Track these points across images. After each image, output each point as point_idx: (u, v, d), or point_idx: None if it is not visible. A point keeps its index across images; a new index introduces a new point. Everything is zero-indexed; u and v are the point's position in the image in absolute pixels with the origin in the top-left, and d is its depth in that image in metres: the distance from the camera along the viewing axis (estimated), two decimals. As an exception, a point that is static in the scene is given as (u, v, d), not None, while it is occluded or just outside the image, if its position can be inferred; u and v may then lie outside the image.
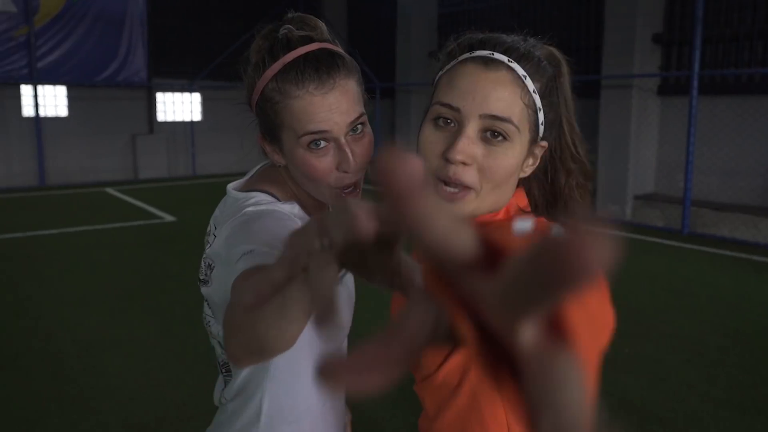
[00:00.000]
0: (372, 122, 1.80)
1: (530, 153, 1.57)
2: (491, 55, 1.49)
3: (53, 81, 18.97)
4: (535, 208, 1.67)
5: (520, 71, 1.48)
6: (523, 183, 1.66)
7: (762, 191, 12.33)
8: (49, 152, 19.05)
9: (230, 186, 1.85)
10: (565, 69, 1.63)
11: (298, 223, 1.67)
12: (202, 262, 1.83)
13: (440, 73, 1.59)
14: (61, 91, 19.45)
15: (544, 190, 1.71)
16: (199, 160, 21.50)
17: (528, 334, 0.40)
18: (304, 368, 1.81)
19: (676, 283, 8.71)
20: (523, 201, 1.65)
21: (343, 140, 1.70)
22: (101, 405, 5.30)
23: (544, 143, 1.59)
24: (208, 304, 1.84)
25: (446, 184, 1.50)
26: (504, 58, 1.48)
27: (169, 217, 13.72)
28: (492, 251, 0.45)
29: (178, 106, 21.67)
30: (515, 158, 1.51)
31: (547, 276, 0.35)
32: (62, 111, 19.54)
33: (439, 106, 1.52)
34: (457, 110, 1.48)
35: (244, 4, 22.12)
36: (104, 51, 19.61)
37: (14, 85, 18.54)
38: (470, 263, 0.43)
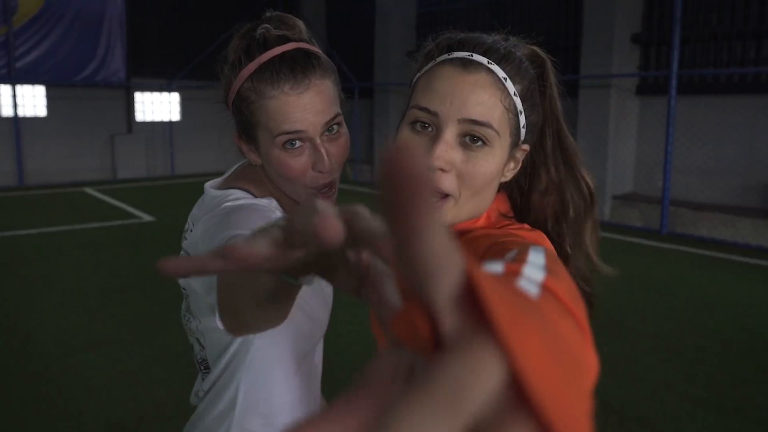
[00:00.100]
0: (350, 122, 1.79)
1: (511, 157, 1.52)
2: (470, 57, 1.44)
3: (32, 81, 18.89)
4: (518, 213, 1.63)
5: (501, 73, 1.43)
6: (505, 187, 1.62)
7: (741, 191, 12.39)
8: (28, 152, 18.99)
9: (208, 185, 1.85)
10: (549, 67, 1.58)
11: (277, 214, 1.70)
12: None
13: (418, 74, 1.55)
14: (39, 91, 19.36)
15: (521, 196, 1.66)
16: (178, 160, 21.47)
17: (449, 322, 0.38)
18: (280, 362, 1.82)
19: (654, 282, 8.73)
20: (504, 206, 1.61)
21: (318, 140, 1.70)
22: (81, 405, 5.27)
23: (526, 146, 1.54)
24: (186, 300, 1.84)
25: None
26: (483, 60, 1.43)
27: (147, 217, 13.67)
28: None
29: (156, 106, 21.62)
30: (495, 164, 1.46)
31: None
32: (41, 111, 19.46)
33: (416, 110, 1.47)
34: (434, 114, 1.43)
35: (223, 4, 22.13)
36: (83, 51, 19.56)
37: (-7, 85, 18.40)
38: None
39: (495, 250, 1.29)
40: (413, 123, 1.48)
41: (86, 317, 7.28)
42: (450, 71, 1.45)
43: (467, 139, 1.43)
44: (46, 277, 8.94)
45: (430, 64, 1.51)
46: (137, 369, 5.92)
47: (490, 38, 1.50)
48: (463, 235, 1.50)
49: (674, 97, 11.90)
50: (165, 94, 21.52)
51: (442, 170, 1.43)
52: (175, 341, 6.24)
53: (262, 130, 1.71)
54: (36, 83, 19.05)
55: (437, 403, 0.33)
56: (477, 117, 1.40)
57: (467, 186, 1.45)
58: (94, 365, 6.00)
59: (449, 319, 0.38)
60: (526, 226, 1.53)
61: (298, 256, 0.61)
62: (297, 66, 1.67)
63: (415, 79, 1.56)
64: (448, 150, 1.42)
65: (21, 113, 18.87)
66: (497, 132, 1.42)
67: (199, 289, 1.66)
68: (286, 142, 1.68)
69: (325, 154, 1.70)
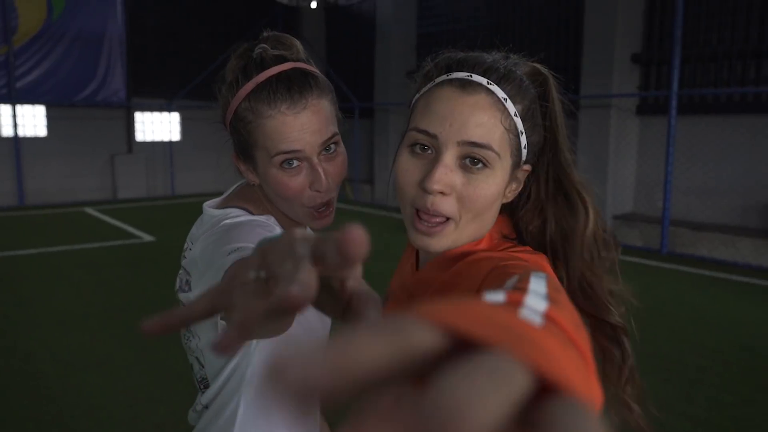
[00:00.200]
0: (350, 142, 1.79)
1: (513, 178, 1.49)
2: (469, 77, 1.42)
3: (32, 101, 18.88)
4: (520, 235, 1.59)
5: (500, 94, 1.40)
6: (507, 208, 1.60)
7: (741, 211, 12.39)
8: (28, 172, 18.98)
9: (206, 204, 1.85)
10: (552, 84, 1.54)
11: (277, 230, 1.70)
12: (178, 277, 1.82)
13: (417, 95, 1.53)
14: (40, 110, 19.36)
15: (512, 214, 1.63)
16: (178, 180, 21.45)
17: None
18: None
19: (654, 302, 8.70)
20: (507, 228, 1.58)
21: (315, 160, 1.70)
22: (80, 425, 5.26)
23: (528, 167, 1.52)
24: None
25: (424, 214, 1.45)
26: (483, 80, 1.41)
27: (147, 237, 13.66)
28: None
29: (157, 126, 21.61)
30: (496, 186, 1.44)
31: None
32: (41, 131, 19.45)
33: (415, 133, 1.45)
34: (434, 137, 1.41)
35: (223, 24, 22.13)
36: (83, 71, 19.55)
37: (-7, 105, 18.40)
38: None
39: (496, 274, 1.28)
40: (412, 145, 1.47)
41: (87, 337, 7.27)
42: (449, 92, 1.43)
43: (467, 161, 1.41)
44: (46, 297, 8.93)
45: (428, 85, 1.49)
46: (138, 389, 5.91)
47: (490, 57, 1.48)
48: (464, 257, 1.49)
49: (674, 117, 11.90)
50: (165, 114, 21.50)
51: (443, 193, 1.41)
52: (175, 361, 6.23)
53: (260, 150, 1.71)
54: (36, 103, 19.04)
55: (486, 380, 0.35)
56: (477, 139, 1.38)
57: (468, 209, 1.43)
58: (94, 385, 5.99)
59: None
60: (529, 248, 1.51)
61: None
62: (294, 86, 1.67)
63: (414, 100, 1.54)
64: (447, 173, 1.40)
65: (21, 133, 18.86)
66: (497, 154, 1.40)
67: None
68: (283, 162, 1.68)
69: (322, 174, 1.70)
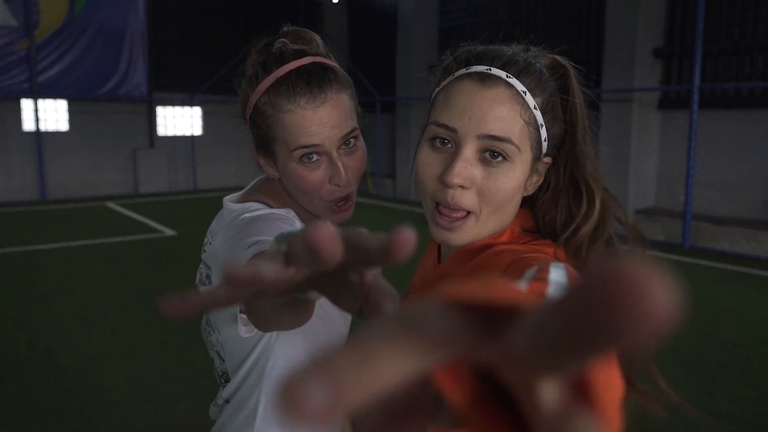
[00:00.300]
0: (372, 136, 1.79)
1: (534, 170, 1.49)
2: (488, 71, 1.41)
3: (54, 95, 18.92)
4: (542, 228, 1.56)
5: (520, 87, 1.40)
6: (528, 201, 1.58)
7: (762, 205, 12.31)
8: (50, 166, 19.04)
9: (226, 199, 1.86)
10: (572, 76, 1.53)
11: (297, 223, 1.70)
12: (199, 270, 1.83)
13: (437, 89, 1.53)
14: (61, 105, 19.42)
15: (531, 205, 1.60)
16: (200, 174, 21.49)
17: (549, 392, 0.34)
18: None
19: (676, 297, 8.67)
20: (528, 221, 1.57)
21: (335, 154, 1.70)
22: (102, 419, 5.28)
23: (548, 159, 1.52)
24: (207, 314, 1.83)
25: (444, 208, 1.45)
26: (502, 74, 1.41)
27: (169, 231, 13.71)
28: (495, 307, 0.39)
29: (178, 120, 21.64)
30: (516, 179, 1.44)
31: (595, 324, 0.29)
32: (63, 125, 19.51)
33: (435, 127, 1.45)
34: (453, 131, 1.41)
35: (245, 19, 22.12)
36: (105, 65, 19.58)
37: (15, 100, 18.51)
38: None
39: (517, 266, 1.27)
40: (432, 139, 1.47)
41: (108, 331, 7.30)
42: (468, 86, 1.43)
43: (487, 154, 1.41)
44: (67, 291, 8.97)
45: (448, 79, 1.49)
46: (159, 383, 5.93)
47: (509, 50, 1.48)
48: (485, 250, 1.49)
49: (696, 111, 11.82)
50: (187, 109, 21.50)
51: (463, 187, 1.41)
52: (197, 355, 6.23)
53: (279, 144, 1.71)
54: (58, 97, 19.09)
55: None
56: (496, 132, 1.38)
57: (488, 202, 1.43)
58: (115, 379, 6.01)
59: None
60: (548, 241, 1.51)
61: (303, 276, 0.61)
62: (313, 80, 1.67)
63: (434, 94, 1.55)
64: (467, 167, 1.40)
65: (43, 128, 18.91)
66: (517, 147, 1.40)
67: None
68: (302, 156, 1.68)
69: (341, 168, 1.70)
